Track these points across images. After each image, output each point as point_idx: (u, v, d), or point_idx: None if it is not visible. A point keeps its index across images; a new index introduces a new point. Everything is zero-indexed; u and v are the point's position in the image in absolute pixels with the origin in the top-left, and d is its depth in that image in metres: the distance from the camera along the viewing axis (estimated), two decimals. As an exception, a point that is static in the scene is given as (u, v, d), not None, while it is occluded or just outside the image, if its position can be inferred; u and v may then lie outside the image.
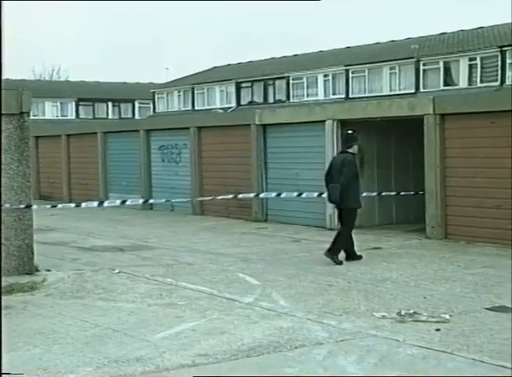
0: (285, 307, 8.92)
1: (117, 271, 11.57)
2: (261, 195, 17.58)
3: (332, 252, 12.28)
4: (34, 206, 11.92)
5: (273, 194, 16.61)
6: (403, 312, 8.45)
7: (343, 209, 12.67)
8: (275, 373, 6.37)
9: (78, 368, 6.53)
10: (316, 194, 15.49)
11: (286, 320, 8.22)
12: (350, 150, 12.76)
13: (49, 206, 15.88)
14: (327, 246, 12.40)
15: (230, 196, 15.79)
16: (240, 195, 15.97)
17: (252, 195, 17.09)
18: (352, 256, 12.53)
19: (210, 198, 16.48)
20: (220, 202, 19.68)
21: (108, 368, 6.51)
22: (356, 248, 12.68)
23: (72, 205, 18.93)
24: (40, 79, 69.52)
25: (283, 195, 15.64)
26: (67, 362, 6.72)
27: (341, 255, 12.38)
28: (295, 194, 15.33)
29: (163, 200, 18.66)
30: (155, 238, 16.04)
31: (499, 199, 13.97)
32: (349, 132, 13.12)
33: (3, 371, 5.90)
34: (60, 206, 17.20)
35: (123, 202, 15.84)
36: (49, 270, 11.45)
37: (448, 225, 14.94)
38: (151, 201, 20.70)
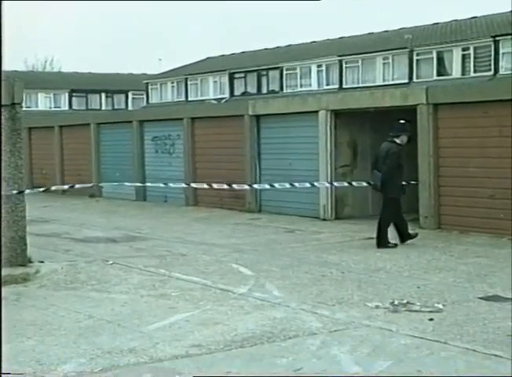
0: (279, 297, 8.93)
1: (110, 262, 11.56)
2: (255, 186, 17.57)
3: (382, 244, 12.72)
4: (27, 191, 11.85)
5: (267, 186, 16.63)
6: (396, 302, 8.46)
7: (384, 196, 13.07)
8: (268, 364, 6.38)
9: (71, 360, 6.52)
10: (308, 184, 15.50)
11: (279, 311, 8.22)
12: (398, 140, 12.93)
13: (41, 189, 15.85)
14: (321, 236, 12.42)
15: (225, 186, 15.74)
16: (235, 186, 15.94)
17: (246, 186, 17.08)
18: (406, 236, 12.99)
19: (206, 186, 16.44)
20: (213, 193, 19.67)
21: (102, 359, 6.50)
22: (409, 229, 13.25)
23: (66, 186, 19.15)
24: (33, 70, 69.25)
25: (276, 185, 15.64)
26: (60, 353, 6.71)
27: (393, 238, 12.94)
28: (288, 185, 15.33)
29: (161, 184, 18.56)
30: (149, 229, 16.03)
31: (492, 189, 14.00)
32: (400, 121, 13.25)
33: (3, 371, 5.89)
34: (53, 188, 17.30)
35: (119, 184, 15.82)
36: (42, 261, 11.43)
37: (441, 215, 14.97)
38: (147, 184, 20.73)
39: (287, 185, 15.41)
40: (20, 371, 6.19)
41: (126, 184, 15.90)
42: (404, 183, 13.30)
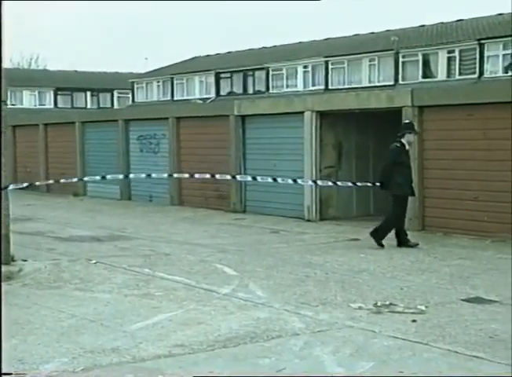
0: (262, 298, 8.93)
1: (94, 261, 11.53)
2: (238, 178, 17.54)
3: (378, 236, 12.92)
4: (11, 186, 11.76)
5: (249, 178, 16.70)
6: (379, 304, 8.49)
7: (390, 194, 13.21)
8: (251, 364, 6.38)
9: (53, 359, 6.49)
10: (290, 180, 15.53)
11: (263, 311, 8.23)
12: (404, 139, 13.11)
13: (25, 185, 15.74)
14: (305, 237, 12.44)
15: (208, 176, 15.67)
16: (217, 176, 15.87)
17: (229, 176, 17.05)
18: (403, 243, 12.98)
19: (186, 176, 16.41)
20: (198, 193, 19.68)
21: (84, 359, 6.48)
22: (408, 236, 13.20)
23: (51, 181, 19.04)
24: (18, 68, 68.92)
25: (258, 178, 15.67)
26: (43, 353, 6.68)
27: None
28: (270, 179, 15.35)
29: (143, 175, 18.30)
30: (133, 228, 15.99)
31: (476, 191, 14.07)
32: (405, 121, 13.67)
33: (3, 371, 5.86)
34: (37, 183, 17.14)
35: (103, 177, 15.69)
36: (25, 260, 11.38)
37: (425, 217, 15.03)
38: (131, 175, 20.57)
39: (270, 180, 15.41)
40: (21, 371, 6.17)
41: (108, 176, 15.71)
42: (406, 182, 13.19)
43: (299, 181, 16.06)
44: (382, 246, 12.87)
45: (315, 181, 16.49)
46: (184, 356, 6.59)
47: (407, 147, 13.19)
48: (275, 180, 15.19)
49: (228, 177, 16.99)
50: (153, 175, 17.31)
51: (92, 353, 6.64)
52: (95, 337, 7.20)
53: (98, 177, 15.81)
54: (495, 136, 13.81)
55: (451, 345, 6.83)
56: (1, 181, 10.75)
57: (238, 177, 17.54)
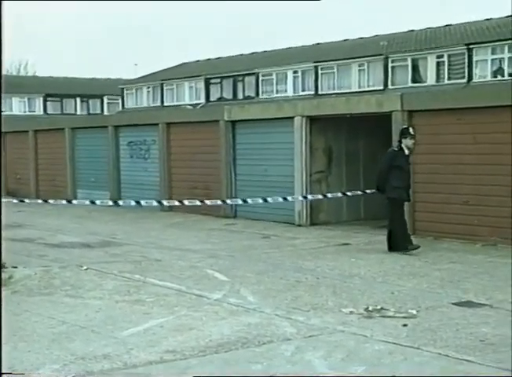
0: (253, 303, 8.93)
1: (85, 267, 11.50)
2: (228, 202, 17.61)
3: (399, 248, 12.76)
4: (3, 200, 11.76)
5: (239, 201, 16.83)
6: (370, 308, 8.50)
7: (386, 198, 13.21)
8: (243, 369, 6.37)
9: (44, 366, 6.47)
10: (281, 199, 15.64)
11: (254, 316, 8.23)
12: (402, 144, 13.18)
13: (15, 201, 15.75)
14: (296, 242, 12.43)
15: (198, 203, 15.67)
16: (208, 202, 15.93)
17: (219, 202, 17.12)
18: (396, 247, 12.91)
19: (177, 203, 16.38)
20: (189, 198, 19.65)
21: (75, 365, 6.46)
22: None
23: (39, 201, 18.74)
24: (7, 74, 68.74)
25: (249, 201, 15.79)
26: (33, 360, 6.66)
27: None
28: (261, 200, 15.46)
29: (133, 203, 17.56)
30: (124, 234, 15.97)
31: (466, 195, 14.11)
32: (403, 126, 13.75)
33: (3, 371, 5.84)
34: (27, 201, 17.04)
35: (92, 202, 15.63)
36: (15, 267, 11.33)
37: (415, 221, 15.04)
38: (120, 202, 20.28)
39: (260, 200, 15.52)
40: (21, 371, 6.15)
41: (97, 202, 15.49)
42: (401, 186, 13.13)
43: (289, 198, 16.15)
44: (418, 247, 12.78)
45: (305, 196, 16.58)
46: (175, 362, 6.58)
47: (406, 152, 13.18)
48: (265, 200, 15.31)
49: (219, 202, 17.03)
50: (143, 203, 16.12)
51: (83, 360, 6.62)
52: (86, 343, 7.18)
53: (87, 202, 15.70)
54: (484, 140, 13.86)
55: (442, 349, 6.85)
56: (0, 188, 10.68)
57: (228, 201, 17.60)
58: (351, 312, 8.36)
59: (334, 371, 6.26)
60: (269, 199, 15.28)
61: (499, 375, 6.15)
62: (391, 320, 8.03)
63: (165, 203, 17.53)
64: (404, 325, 7.76)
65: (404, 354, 6.71)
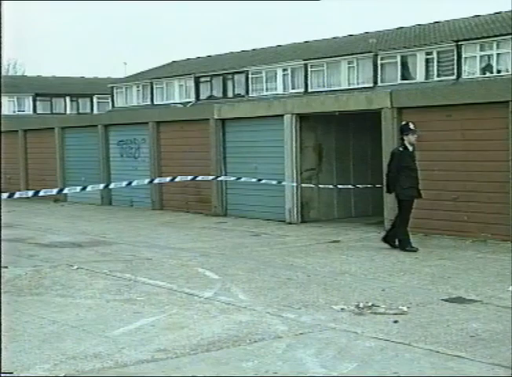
0: (244, 301, 8.93)
1: (75, 267, 11.48)
2: (220, 178, 17.54)
3: (391, 239, 12.94)
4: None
5: (232, 178, 16.70)
6: (361, 305, 8.51)
7: (396, 199, 13.21)
8: (234, 367, 6.38)
9: (35, 366, 6.46)
10: (274, 182, 15.63)
11: (245, 314, 8.23)
12: (405, 141, 13.08)
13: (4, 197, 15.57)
14: (287, 239, 12.44)
15: (189, 178, 15.63)
16: (199, 178, 15.86)
17: (211, 177, 17.05)
18: (390, 238, 13.03)
19: (167, 179, 16.30)
20: (180, 197, 19.65)
21: (66, 365, 6.45)
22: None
23: (30, 193, 18.60)
24: (-5, 74, 68.46)
25: (242, 179, 15.71)
26: (24, 360, 6.64)
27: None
28: (254, 179, 15.44)
29: (124, 183, 17.52)
30: (114, 233, 15.94)
31: (456, 192, 14.15)
32: (402, 123, 13.58)
33: (3, 371, 5.82)
34: (16, 196, 16.91)
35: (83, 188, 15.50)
36: (6, 267, 11.30)
37: (405, 218, 15.05)
38: (112, 185, 20.16)
39: (253, 180, 15.49)
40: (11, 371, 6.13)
41: (89, 188, 15.36)
42: (412, 185, 13.02)
43: (283, 183, 16.17)
44: (417, 249, 12.65)
45: (298, 185, 16.63)
46: (166, 361, 6.57)
47: (410, 149, 13.02)
48: (259, 180, 15.30)
49: (210, 177, 16.99)
50: (134, 183, 16.21)
51: (74, 359, 6.61)
52: (77, 343, 7.17)
53: (78, 189, 15.52)
54: (473, 137, 13.91)
55: (432, 345, 6.86)
56: (0, 184, 10.64)
57: (221, 178, 17.57)
58: (342, 310, 8.38)
59: (326, 370, 6.27)
60: (263, 181, 15.24)
61: (490, 376, 6.16)
62: (382, 316, 8.05)
63: (156, 180, 17.66)
64: (395, 322, 7.77)
65: (395, 351, 6.72)
